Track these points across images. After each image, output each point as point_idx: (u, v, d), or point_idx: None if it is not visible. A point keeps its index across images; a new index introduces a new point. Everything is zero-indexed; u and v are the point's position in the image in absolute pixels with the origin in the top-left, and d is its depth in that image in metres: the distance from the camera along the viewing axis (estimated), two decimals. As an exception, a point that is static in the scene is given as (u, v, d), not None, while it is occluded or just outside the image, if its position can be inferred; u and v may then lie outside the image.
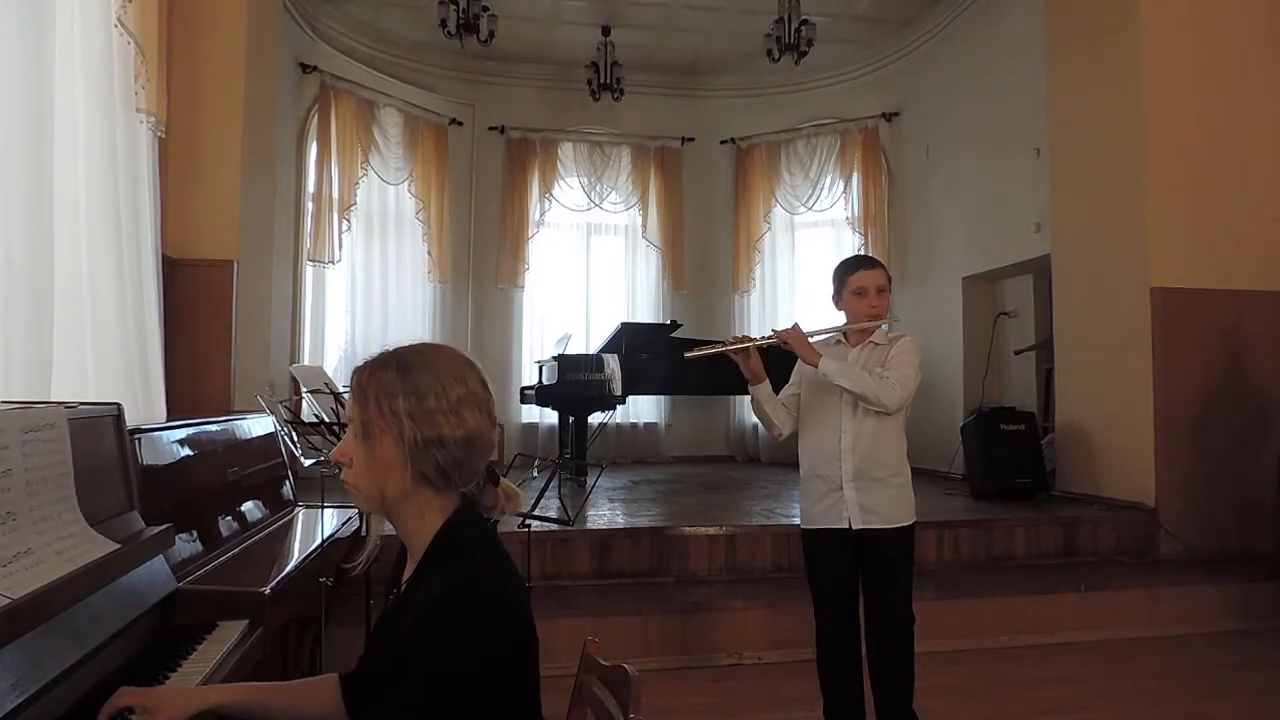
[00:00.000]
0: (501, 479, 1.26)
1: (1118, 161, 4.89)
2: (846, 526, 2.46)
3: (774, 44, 6.42)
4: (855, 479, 2.45)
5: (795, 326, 2.53)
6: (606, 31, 7.38)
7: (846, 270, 2.55)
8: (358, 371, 1.18)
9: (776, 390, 2.62)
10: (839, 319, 2.61)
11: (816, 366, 2.44)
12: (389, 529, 1.22)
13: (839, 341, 2.59)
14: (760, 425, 7.94)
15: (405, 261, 7.65)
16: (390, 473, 1.14)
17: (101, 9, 3.08)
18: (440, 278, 7.76)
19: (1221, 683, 3.31)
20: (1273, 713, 3.05)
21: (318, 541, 2.42)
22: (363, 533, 2.93)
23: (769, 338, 2.52)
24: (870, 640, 2.51)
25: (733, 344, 2.52)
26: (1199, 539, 4.53)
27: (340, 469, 1.20)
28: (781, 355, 2.55)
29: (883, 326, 2.55)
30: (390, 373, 1.15)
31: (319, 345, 6.95)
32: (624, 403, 6.02)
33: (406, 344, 1.21)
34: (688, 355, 2.64)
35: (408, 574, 1.21)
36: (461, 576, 1.11)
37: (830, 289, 2.62)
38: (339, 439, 2.57)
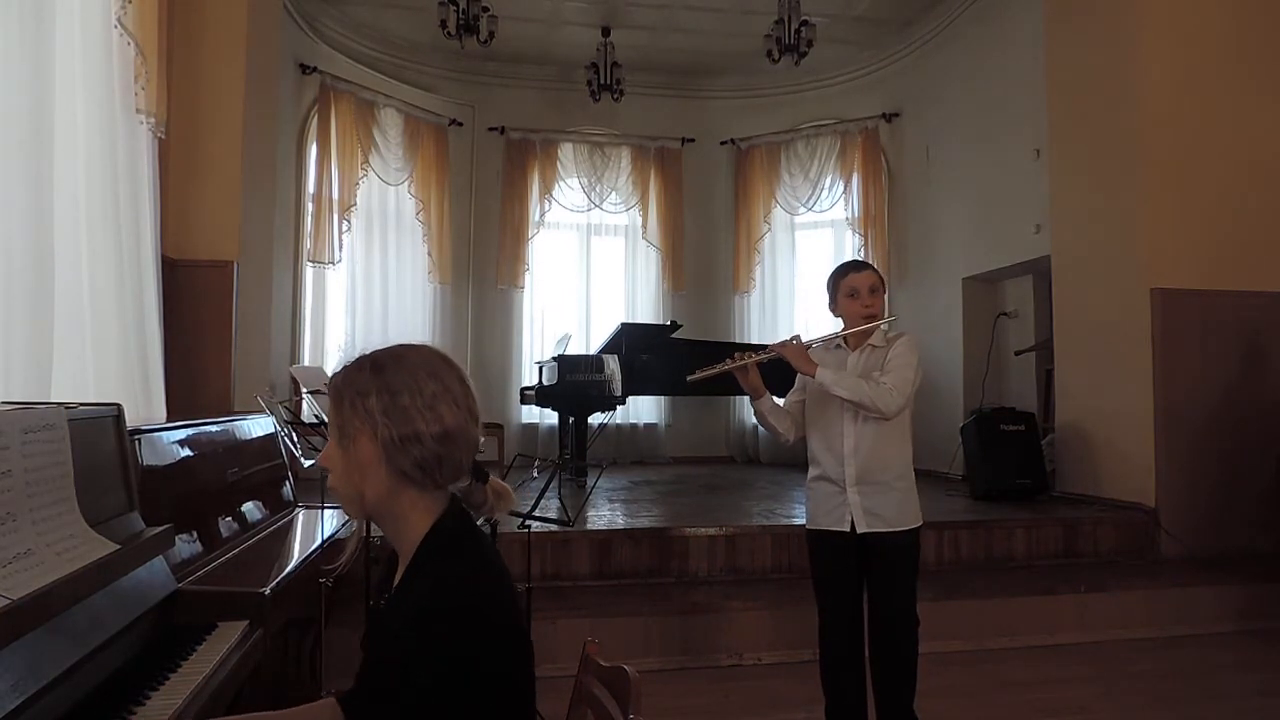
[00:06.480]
0: (491, 476, 1.25)
1: (1117, 162, 4.89)
2: (850, 530, 2.46)
3: (774, 45, 6.42)
4: (859, 483, 2.46)
5: (793, 339, 2.56)
6: (606, 32, 7.39)
7: (838, 275, 2.58)
8: (333, 376, 1.18)
9: (782, 394, 2.63)
10: (837, 325, 2.63)
11: (814, 377, 2.46)
12: (377, 532, 1.21)
13: (839, 346, 2.60)
14: (762, 428, 8.01)
15: (405, 262, 7.65)
16: (367, 473, 1.13)
17: (101, 10, 3.08)
18: (440, 278, 7.76)
19: (1221, 684, 3.30)
20: (1272, 714, 3.05)
21: (317, 542, 2.42)
22: (363, 534, 2.93)
23: (769, 353, 2.53)
24: (873, 642, 2.51)
25: (733, 363, 2.53)
26: (1199, 540, 4.53)
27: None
28: (788, 366, 2.55)
29: (881, 327, 2.56)
30: (364, 373, 1.15)
31: (319, 346, 6.95)
32: (624, 403, 6.01)
33: (382, 346, 1.21)
34: (690, 379, 2.67)
35: (399, 578, 1.20)
36: (450, 579, 1.10)
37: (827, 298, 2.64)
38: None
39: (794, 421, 2.63)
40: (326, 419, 1.19)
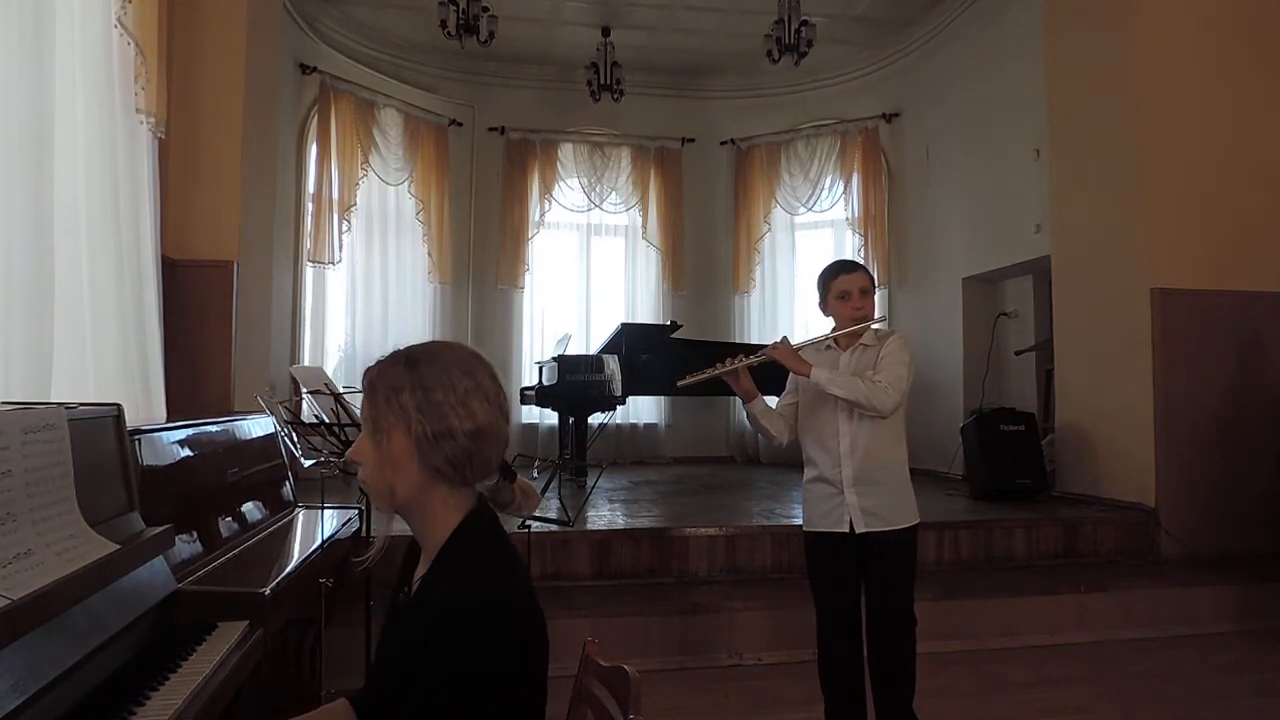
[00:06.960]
0: (519, 476, 1.26)
1: (1117, 161, 4.89)
2: (849, 530, 2.46)
3: (774, 45, 6.41)
4: (855, 483, 2.47)
5: (784, 341, 2.57)
6: (606, 32, 7.38)
7: (829, 276, 2.59)
8: (368, 370, 1.19)
9: (774, 393, 2.64)
10: (828, 324, 2.64)
11: (808, 377, 2.46)
12: (400, 527, 1.21)
13: (829, 347, 2.60)
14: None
15: (405, 262, 7.65)
16: (400, 468, 1.14)
17: (101, 10, 3.08)
18: (440, 278, 7.77)
19: (1221, 684, 3.31)
20: (1272, 714, 3.05)
21: (317, 542, 2.42)
22: (363, 534, 2.93)
23: (759, 356, 2.54)
24: (871, 641, 2.51)
25: (723, 368, 2.54)
26: (1199, 539, 4.53)
27: (351, 470, 1.20)
28: (777, 365, 2.56)
29: (873, 328, 2.56)
30: (398, 368, 1.16)
31: (319, 346, 6.95)
32: (624, 403, 6.02)
33: (418, 343, 1.22)
34: (680, 384, 2.68)
35: (420, 573, 1.20)
36: (479, 576, 1.11)
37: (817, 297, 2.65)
38: (339, 440, 2.58)
39: (787, 424, 2.63)
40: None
